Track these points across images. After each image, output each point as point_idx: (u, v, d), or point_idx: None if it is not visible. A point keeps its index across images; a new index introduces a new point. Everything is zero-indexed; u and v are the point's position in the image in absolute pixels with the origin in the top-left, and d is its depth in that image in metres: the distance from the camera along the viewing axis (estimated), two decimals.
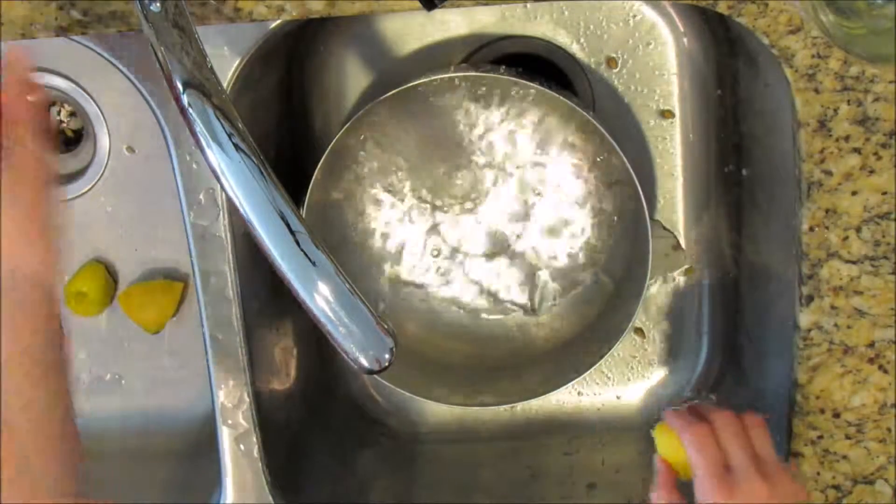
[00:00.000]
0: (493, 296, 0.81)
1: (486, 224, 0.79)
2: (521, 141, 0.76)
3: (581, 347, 0.77)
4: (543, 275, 0.80)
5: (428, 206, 0.79)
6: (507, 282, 0.80)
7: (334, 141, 0.69)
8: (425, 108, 0.75)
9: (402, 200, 0.79)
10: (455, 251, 0.80)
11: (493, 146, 0.77)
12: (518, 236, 0.79)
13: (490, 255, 0.80)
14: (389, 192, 0.78)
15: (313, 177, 0.71)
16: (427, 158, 0.77)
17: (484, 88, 0.74)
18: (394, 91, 0.68)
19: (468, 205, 0.78)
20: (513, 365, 0.79)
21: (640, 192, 0.68)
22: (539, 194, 0.78)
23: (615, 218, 0.77)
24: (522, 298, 0.80)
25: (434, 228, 0.79)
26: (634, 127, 0.77)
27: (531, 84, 0.68)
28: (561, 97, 0.68)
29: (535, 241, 0.79)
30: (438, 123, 0.76)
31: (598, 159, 0.76)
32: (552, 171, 0.77)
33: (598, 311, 0.78)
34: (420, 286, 0.80)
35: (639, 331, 0.82)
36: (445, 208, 0.79)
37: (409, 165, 0.78)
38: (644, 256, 0.69)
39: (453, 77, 0.72)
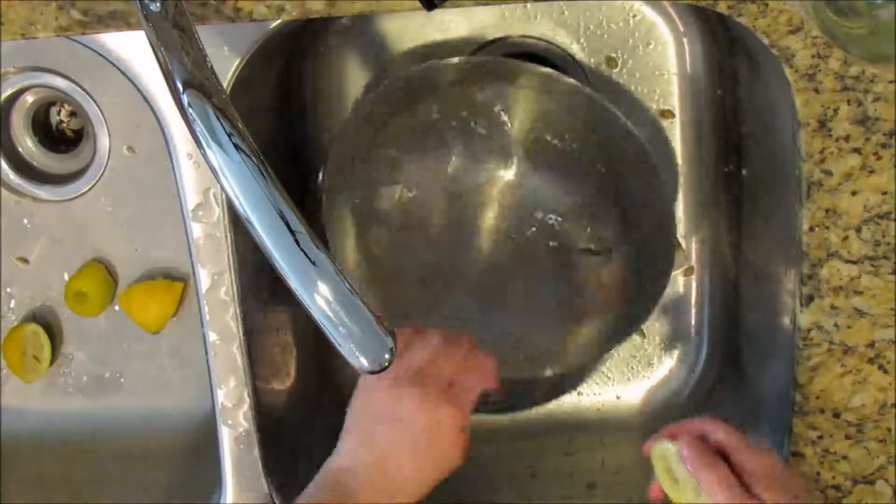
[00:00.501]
0: (494, 295, 0.80)
1: (490, 220, 0.79)
2: (526, 134, 0.76)
3: (583, 348, 0.77)
4: (545, 274, 0.80)
5: (430, 203, 0.79)
6: (509, 281, 0.80)
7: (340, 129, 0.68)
8: (430, 99, 0.75)
9: (404, 196, 0.78)
10: (459, 246, 0.80)
11: (499, 139, 0.76)
12: (524, 233, 0.79)
13: (494, 253, 0.80)
14: (392, 187, 0.78)
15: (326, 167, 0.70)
16: (426, 156, 0.77)
17: (491, 77, 0.74)
18: (402, 73, 0.67)
19: (473, 200, 0.78)
20: (513, 366, 0.79)
21: (660, 175, 0.67)
22: (545, 189, 0.77)
23: (621, 215, 0.77)
24: (524, 298, 0.80)
25: (435, 228, 0.79)
26: (634, 127, 0.77)
27: (540, 69, 0.67)
28: (572, 81, 0.67)
29: (539, 240, 0.79)
30: (439, 120, 0.76)
31: (607, 151, 0.75)
32: (558, 164, 0.76)
33: (601, 311, 0.78)
34: (421, 285, 0.80)
35: (639, 330, 0.82)
36: (450, 204, 0.78)
37: (411, 159, 0.77)
38: (654, 253, 0.69)
39: (464, 64, 0.71)
